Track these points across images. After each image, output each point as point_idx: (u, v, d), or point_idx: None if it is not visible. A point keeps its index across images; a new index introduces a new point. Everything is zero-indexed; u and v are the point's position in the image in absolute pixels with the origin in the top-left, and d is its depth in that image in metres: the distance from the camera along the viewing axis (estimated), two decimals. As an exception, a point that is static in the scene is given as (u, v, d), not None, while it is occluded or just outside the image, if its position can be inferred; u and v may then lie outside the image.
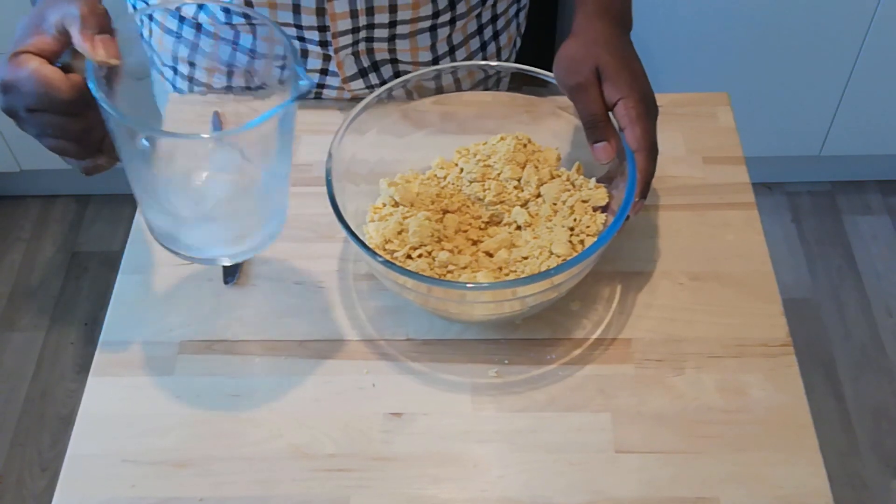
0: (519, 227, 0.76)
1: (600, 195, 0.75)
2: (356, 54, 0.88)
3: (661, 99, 0.74)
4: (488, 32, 0.94)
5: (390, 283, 0.70)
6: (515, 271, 0.72)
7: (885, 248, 1.89)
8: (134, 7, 0.92)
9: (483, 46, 0.94)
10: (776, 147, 1.86)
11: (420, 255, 0.72)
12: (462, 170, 0.79)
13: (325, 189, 0.70)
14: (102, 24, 0.58)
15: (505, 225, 0.77)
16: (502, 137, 0.79)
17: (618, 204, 0.71)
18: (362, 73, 0.90)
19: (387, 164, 0.79)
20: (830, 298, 1.81)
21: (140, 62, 0.68)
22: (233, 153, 0.64)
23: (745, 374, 0.71)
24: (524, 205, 0.77)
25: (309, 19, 0.83)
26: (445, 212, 0.76)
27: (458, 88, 0.82)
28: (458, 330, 0.74)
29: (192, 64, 0.89)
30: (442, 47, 0.90)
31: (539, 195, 0.77)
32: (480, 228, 0.77)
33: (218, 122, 0.73)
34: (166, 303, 0.76)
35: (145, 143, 0.60)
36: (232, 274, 0.77)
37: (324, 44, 0.86)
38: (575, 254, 0.72)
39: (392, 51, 0.89)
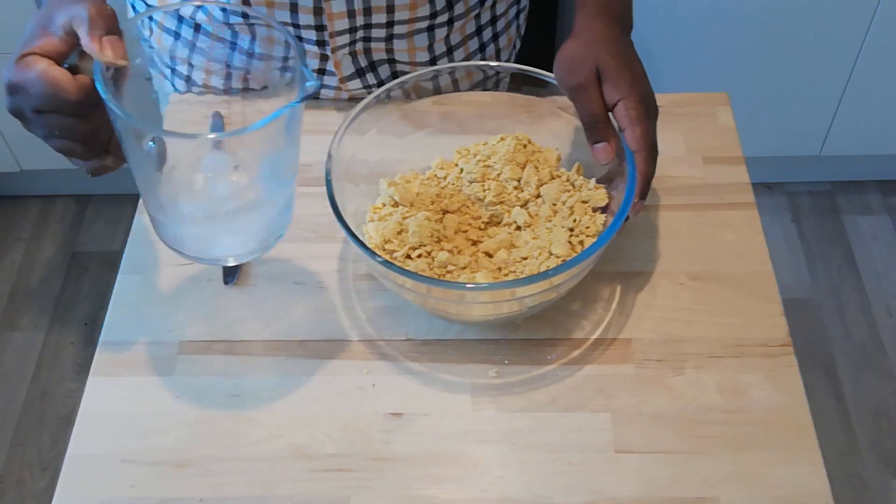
0: (519, 228, 0.76)
1: (600, 196, 0.75)
2: (353, 54, 0.88)
3: (661, 99, 0.74)
4: (487, 34, 0.93)
5: (389, 284, 0.70)
6: (515, 272, 0.72)
7: (885, 248, 1.89)
8: (133, 8, 0.92)
9: (482, 48, 0.94)
10: (776, 147, 1.86)
11: (419, 256, 0.72)
12: (462, 170, 0.79)
13: (324, 189, 0.70)
14: (110, 25, 0.58)
15: (505, 225, 0.77)
16: (502, 138, 0.79)
17: (617, 205, 0.71)
18: (359, 73, 0.90)
19: (386, 164, 0.79)
20: (830, 298, 1.81)
21: (144, 62, 0.68)
22: (239, 154, 0.64)
23: (745, 374, 0.71)
24: (524, 205, 0.77)
25: (306, 18, 0.83)
26: (445, 212, 0.76)
27: (457, 89, 0.83)
28: (457, 330, 0.74)
29: (190, 64, 0.89)
30: (440, 48, 0.90)
31: (539, 196, 0.77)
32: (480, 229, 0.77)
33: (220, 123, 0.73)
34: (166, 303, 0.76)
35: (151, 144, 0.60)
36: (232, 274, 0.77)
37: (321, 43, 0.86)
38: (574, 254, 0.72)
39: (389, 51, 0.89)
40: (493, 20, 0.93)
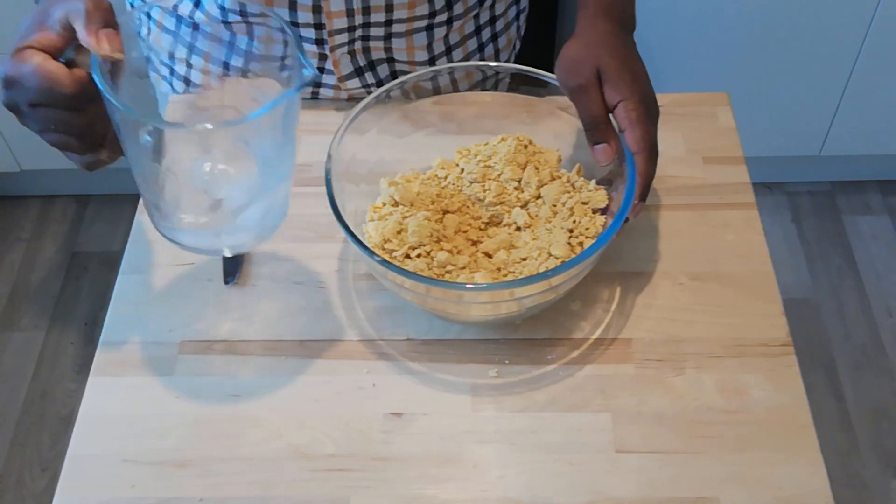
0: (518, 228, 0.76)
1: (600, 197, 0.75)
2: (352, 53, 0.88)
3: (661, 99, 0.74)
4: (486, 34, 0.93)
5: (388, 283, 0.70)
6: (514, 272, 0.72)
7: (885, 248, 1.89)
8: (132, 5, 0.92)
9: (481, 48, 0.94)
10: (776, 147, 1.86)
11: (419, 255, 0.72)
12: (463, 170, 0.79)
13: (324, 189, 0.70)
14: (107, 19, 0.58)
15: (505, 226, 0.77)
16: (503, 138, 0.79)
17: (617, 206, 0.71)
18: (358, 72, 0.90)
19: (386, 164, 0.79)
20: (830, 298, 1.81)
21: (140, 57, 0.68)
22: (236, 145, 0.64)
23: (745, 374, 0.70)
24: (524, 206, 0.77)
25: (305, 16, 0.84)
26: (445, 212, 0.76)
27: (456, 89, 0.83)
28: (457, 330, 0.74)
29: (188, 64, 0.89)
30: (438, 47, 0.90)
31: (539, 196, 0.77)
32: (480, 229, 0.77)
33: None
34: (166, 303, 0.76)
35: (147, 138, 0.60)
36: (232, 274, 0.77)
37: (319, 42, 0.86)
38: (573, 255, 0.72)
39: (388, 50, 0.89)
40: (493, 20, 0.93)
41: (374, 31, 0.86)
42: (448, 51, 0.91)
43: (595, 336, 0.73)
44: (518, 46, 1.00)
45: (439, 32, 0.89)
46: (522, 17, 0.99)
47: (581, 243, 0.73)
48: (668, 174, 0.83)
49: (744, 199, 0.82)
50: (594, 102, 0.71)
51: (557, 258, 0.71)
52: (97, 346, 0.74)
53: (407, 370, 0.72)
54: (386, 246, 0.73)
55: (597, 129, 0.71)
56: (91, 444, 0.68)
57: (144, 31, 0.90)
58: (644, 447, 0.67)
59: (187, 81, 0.90)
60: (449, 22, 0.88)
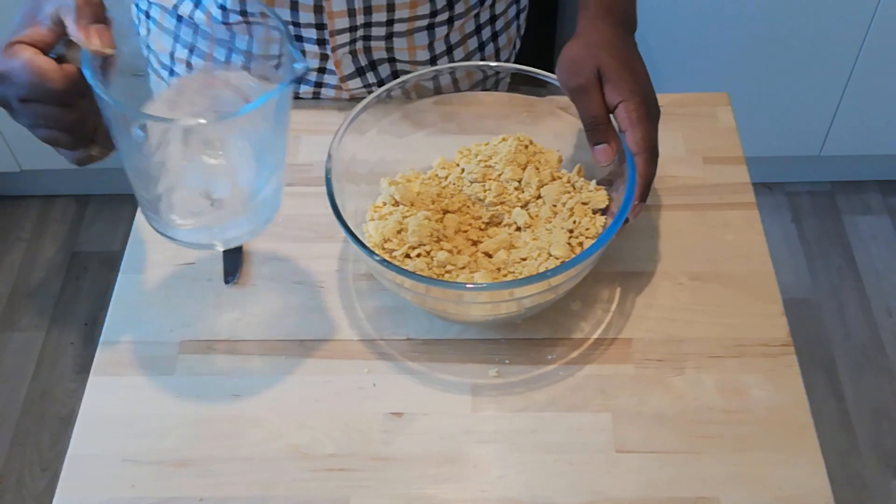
0: (519, 229, 0.76)
1: (600, 197, 0.75)
2: (353, 53, 0.88)
3: (661, 99, 0.74)
4: (487, 33, 0.94)
5: (388, 283, 0.70)
6: (514, 272, 0.72)
7: (885, 248, 1.89)
8: (136, 6, 0.92)
9: (481, 47, 0.94)
10: (776, 147, 1.86)
11: (419, 255, 0.72)
12: (463, 170, 0.79)
13: (325, 189, 0.70)
14: (97, 14, 0.58)
15: (505, 226, 0.77)
16: (504, 138, 0.79)
17: (618, 206, 0.71)
18: (360, 71, 0.90)
19: (386, 164, 0.79)
20: (830, 298, 1.81)
21: (135, 54, 0.68)
22: (229, 139, 0.64)
23: (745, 374, 0.71)
24: (524, 206, 0.77)
25: (306, 17, 0.84)
26: (446, 212, 0.76)
27: (457, 89, 0.83)
28: (458, 330, 0.74)
29: (189, 65, 0.89)
30: (439, 46, 0.90)
31: (539, 197, 0.77)
32: (480, 229, 0.77)
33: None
34: (166, 303, 0.76)
35: (139, 132, 0.60)
36: (232, 274, 0.77)
37: (321, 42, 0.86)
38: (573, 256, 0.72)
39: (389, 49, 0.89)
40: (493, 19, 0.93)
41: (375, 31, 0.86)
42: (449, 50, 0.91)
43: (595, 336, 0.73)
44: (518, 45, 1.00)
45: (440, 32, 0.89)
46: (522, 17, 0.99)
47: (581, 244, 0.73)
48: (668, 174, 0.83)
49: (744, 199, 0.82)
50: (595, 103, 0.71)
51: (557, 258, 0.71)
52: (97, 346, 0.74)
53: (407, 370, 0.72)
54: (386, 246, 0.73)
55: (597, 129, 0.71)
56: (91, 444, 0.68)
57: (144, 31, 0.90)
58: (644, 447, 0.67)
59: (187, 81, 0.90)
60: (450, 21, 0.88)
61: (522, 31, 1.01)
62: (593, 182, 0.77)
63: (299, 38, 0.86)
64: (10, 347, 1.77)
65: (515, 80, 0.80)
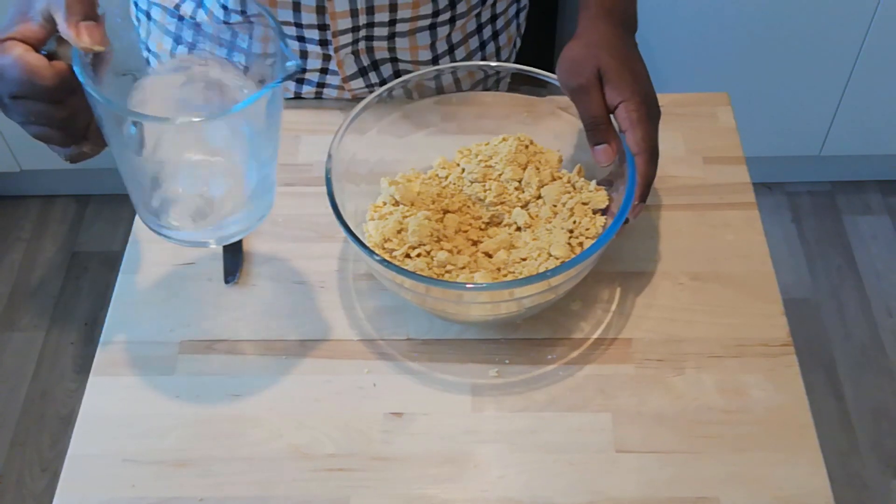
0: (519, 229, 0.76)
1: (600, 198, 0.75)
2: (356, 53, 0.88)
3: (661, 99, 0.74)
4: (487, 32, 0.94)
5: (388, 283, 0.70)
6: (514, 272, 0.72)
7: (885, 248, 1.89)
8: (136, 5, 0.92)
9: (482, 46, 0.94)
10: (776, 147, 1.86)
11: (419, 255, 0.72)
12: (463, 170, 0.79)
13: (325, 189, 0.70)
14: (87, 11, 0.58)
15: (505, 226, 0.77)
16: (504, 138, 0.79)
17: (618, 206, 0.71)
18: (362, 72, 0.90)
19: (387, 164, 0.79)
20: (830, 298, 1.81)
21: (129, 52, 0.68)
22: (221, 137, 0.64)
23: (745, 374, 0.71)
24: (524, 206, 0.77)
25: (309, 17, 0.84)
26: (446, 212, 0.76)
27: (459, 88, 0.83)
28: (458, 330, 0.74)
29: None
30: (441, 46, 0.90)
31: (539, 197, 0.77)
32: (480, 229, 0.77)
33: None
34: (166, 303, 0.76)
35: (132, 130, 0.60)
36: (232, 274, 0.77)
37: (324, 43, 0.86)
38: (573, 256, 0.72)
39: (392, 49, 0.89)
40: (493, 18, 0.93)
41: (377, 31, 0.86)
42: (451, 49, 0.91)
43: (595, 336, 0.73)
44: (519, 44, 1.00)
45: (442, 31, 0.89)
46: (522, 15, 0.99)
47: (581, 244, 0.73)
48: (668, 174, 0.83)
49: (744, 199, 0.82)
50: (595, 103, 0.71)
51: (557, 258, 0.71)
52: (97, 346, 0.74)
53: (407, 370, 0.72)
54: (386, 245, 0.73)
55: (597, 129, 0.71)
56: (91, 444, 0.68)
57: (144, 32, 0.90)
58: (644, 447, 0.67)
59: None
60: (452, 21, 0.88)
61: (523, 30, 1.01)
62: (593, 182, 0.77)
63: (301, 39, 0.86)
64: (10, 347, 1.77)
65: (516, 80, 0.80)
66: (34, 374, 1.73)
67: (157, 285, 0.77)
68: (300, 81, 0.91)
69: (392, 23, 0.86)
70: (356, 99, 0.92)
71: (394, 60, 0.90)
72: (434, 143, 0.81)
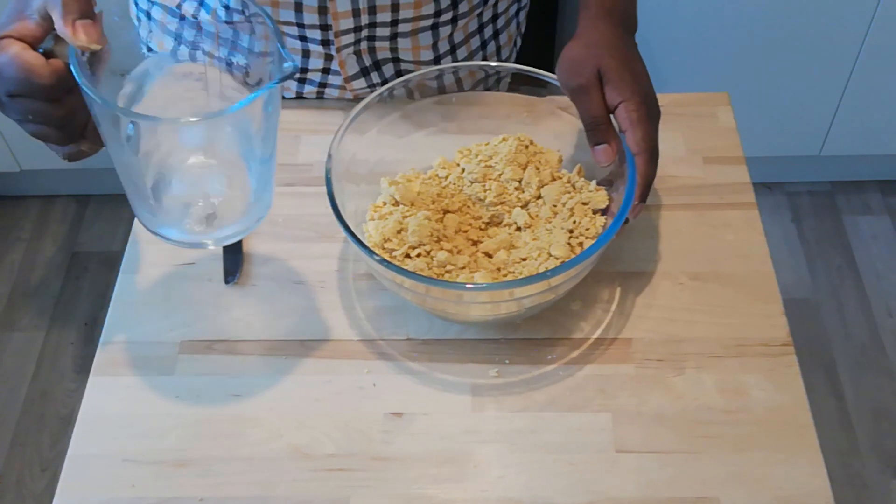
0: (519, 229, 0.76)
1: (600, 198, 0.75)
2: (358, 53, 0.88)
3: (661, 99, 0.74)
4: (488, 31, 0.94)
5: (388, 283, 0.70)
6: (514, 272, 0.72)
7: (885, 248, 1.89)
8: (136, 4, 0.92)
9: (483, 45, 0.94)
10: (776, 147, 1.86)
11: (419, 255, 0.72)
12: (463, 170, 0.79)
13: (325, 189, 0.70)
14: (84, 9, 0.58)
15: (505, 226, 0.77)
16: (504, 138, 0.79)
17: (618, 206, 0.71)
18: (364, 72, 0.90)
19: (387, 164, 0.79)
20: (830, 298, 1.81)
21: (127, 51, 0.68)
22: (218, 138, 0.64)
23: (745, 374, 0.71)
24: (524, 206, 0.77)
25: (311, 18, 0.84)
26: (446, 212, 0.76)
27: (460, 88, 0.83)
28: (458, 330, 0.74)
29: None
30: (443, 46, 0.90)
31: (539, 196, 0.77)
32: (480, 229, 0.77)
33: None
34: (166, 303, 0.76)
35: (130, 130, 0.60)
36: (232, 274, 0.77)
37: (325, 43, 0.86)
38: (573, 256, 0.72)
39: (394, 50, 0.89)
40: (494, 18, 0.93)
41: (379, 32, 0.86)
42: (452, 49, 0.91)
43: (595, 336, 0.73)
44: (519, 44, 1.00)
45: (444, 31, 0.89)
46: (522, 14, 0.99)
47: (581, 244, 0.73)
48: (668, 174, 0.83)
49: (744, 199, 0.82)
50: (595, 103, 0.71)
51: (557, 258, 0.71)
52: (97, 346, 0.74)
53: (407, 370, 0.72)
54: (386, 245, 0.73)
55: (597, 129, 0.71)
56: (91, 444, 0.68)
57: (145, 32, 0.90)
58: (644, 447, 0.67)
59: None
60: (454, 21, 0.88)
61: (523, 29, 1.01)
62: (593, 182, 0.77)
63: (304, 39, 0.86)
64: (10, 347, 1.77)
65: (516, 79, 0.80)
66: (34, 374, 1.73)
67: (157, 285, 0.77)
68: (301, 81, 0.91)
69: (394, 23, 0.86)
70: (358, 99, 0.92)
71: (396, 60, 0.90)
72: (434, 143, 0.81)
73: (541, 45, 1.21)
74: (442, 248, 0.73)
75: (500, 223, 0.77)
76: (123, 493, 0.66)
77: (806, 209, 1.96)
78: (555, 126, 0.80)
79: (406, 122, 0.80)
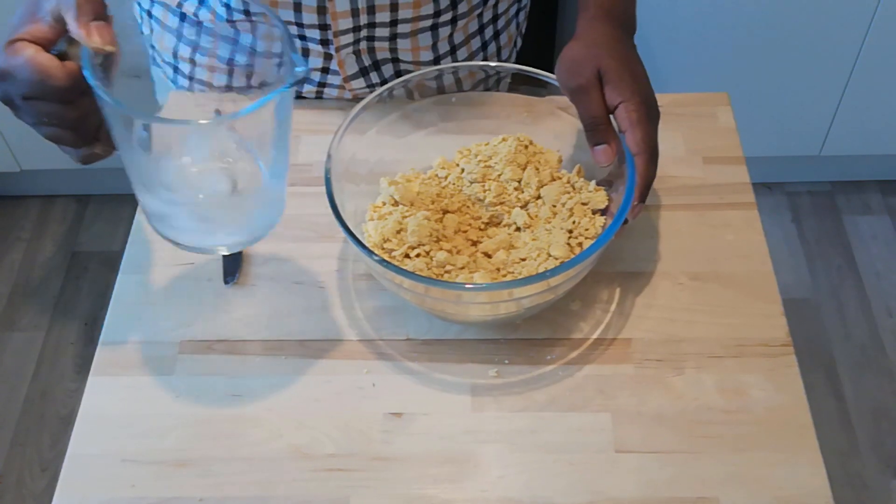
0: (518, 229, 0.76)
1: (600, 198, 0.75)
2: (357, 53, 0.88)
3: (661, 99, 0.74)
4: (489, 32, 0.94)
5: (387, 283, 0.70)
6: (513, 272, 0.72)
7: (885, 248, 1.89)
8: (139, 4, 0.92)
9: (484, 46, 0.94)
10: (776, 147, 1.86)
11: (418, 255, 0.72)
12: (463, 170, 0.79)
13: (324, 189, 0.70)
14: (98, 11, 0.58)
15: (504, 226, 0.77)
16: (504, 138, 0.79)
17: (617, 207, 0.71)
18: (363, 72, 0.90)
19: (386, 164, 0.79)
20: (830, 298, 1.81)
21: (138, 53, 0.68)
22: (230, 142, 0.64)
23: (745, 374, 0.71)
24: (524, 206, 0.77)
25: (310, 17, 0.84)
26: (445, 212, 0.76)
27: (459, 88, 0.83)
28: (457, 330, 0.74)
29: (192, 62, 0.89)
30: (443, 46, 0.90)
31: (539, 197, 0.77)
32: (480, 229, 0.77)
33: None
34: (166, 303, 0.76)
35: (142, 133, 0.60)
36: (232, 274, 0.77)
37: (325, 42, 0.86)
38: (573, 256, 0.72)
39: (393, 50, 0.89)
40: (495, 18, 0.93)
41: (379, 32, 0.86)
42: (452, 50, 0.91)
43: (595, 336, 0.73)
44: (519, 44, 1.00)
45: (444, 32, 0.89)
46: (523, 14, 0.99)
47: (580, 244, 0.73)
48: (668, 174, 0.83)
49: (744, 199, 0.82)
50: (595, 103, 0.71)
51: (557, 259, 0.71)
52: (97, 346, 0.74)
53: (407, 370, 0.72)
54: (385, 245, 0.73)
55: (597, 129, 0.71)
56: (91, 444, 0.68)
57: (147, 30, 0.90)
58: (644, 447, 0.67)
59: (191, 79, 0.90)
60: (453, 21, 0.88)
61: (523, 29, 1.01)
62: (593, 182, 0.77)
63: (303, 38, 0.86)
64: (10, 347, 1.77)
65: (516, 80, 0.80)
66: (34, 374, 1.73)
67: (157, 285, 0.77)
68: (299, 84, 0.91)
69: (393, 23, 0.85)
70: (357, 99, 0.91)
71: (395, 61, 0.90)
72: (434, 143, 0.81)
73: (541, 45, 1.21)
74: (441, 249, 0.73)
75: (499, 223, 0.77)
76: (123, 493, 0.66)
77: (806, 209, 1.96)
78: (554, 126, 0.80)
79: (406, 122, 0.80)
